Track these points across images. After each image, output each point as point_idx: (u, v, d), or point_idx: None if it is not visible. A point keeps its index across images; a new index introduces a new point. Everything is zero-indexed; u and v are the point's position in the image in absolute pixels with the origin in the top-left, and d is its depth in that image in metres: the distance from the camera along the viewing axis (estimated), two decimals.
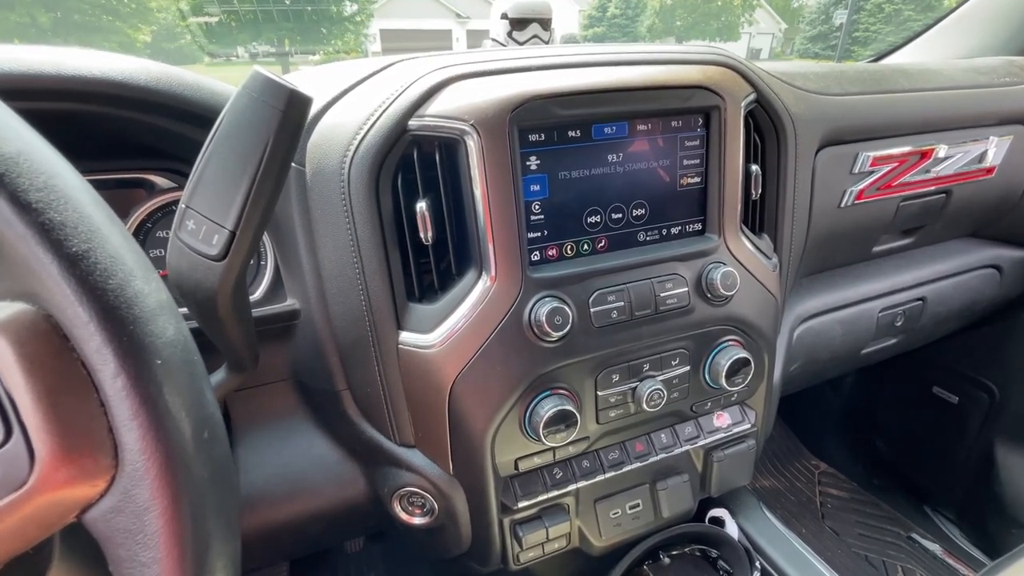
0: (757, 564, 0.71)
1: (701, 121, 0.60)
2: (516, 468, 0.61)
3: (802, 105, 0.71)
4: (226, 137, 0.33)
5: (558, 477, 0.63)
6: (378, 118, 0.50)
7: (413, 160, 0.52)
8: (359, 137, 0.50)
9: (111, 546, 0.21)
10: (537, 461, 0.61)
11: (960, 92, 0.86)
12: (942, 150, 0.84)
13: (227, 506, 0.25)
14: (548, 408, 0.55)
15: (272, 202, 0.35)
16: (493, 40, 0.73)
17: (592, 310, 0.56)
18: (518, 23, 0.70)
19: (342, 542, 1.11)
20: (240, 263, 0.35)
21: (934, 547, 1.27)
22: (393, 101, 0.51)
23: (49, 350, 0.20)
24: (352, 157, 0.50)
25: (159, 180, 0.59)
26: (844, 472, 1.52)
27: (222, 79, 0.53)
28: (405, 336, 0.55)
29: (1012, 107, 0.89)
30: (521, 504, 0.61)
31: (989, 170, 0.90)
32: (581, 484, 0.64)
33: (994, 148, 0.88)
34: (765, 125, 0.67)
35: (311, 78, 0.64)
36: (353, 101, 0.53)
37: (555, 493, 0.63)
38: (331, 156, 0.51)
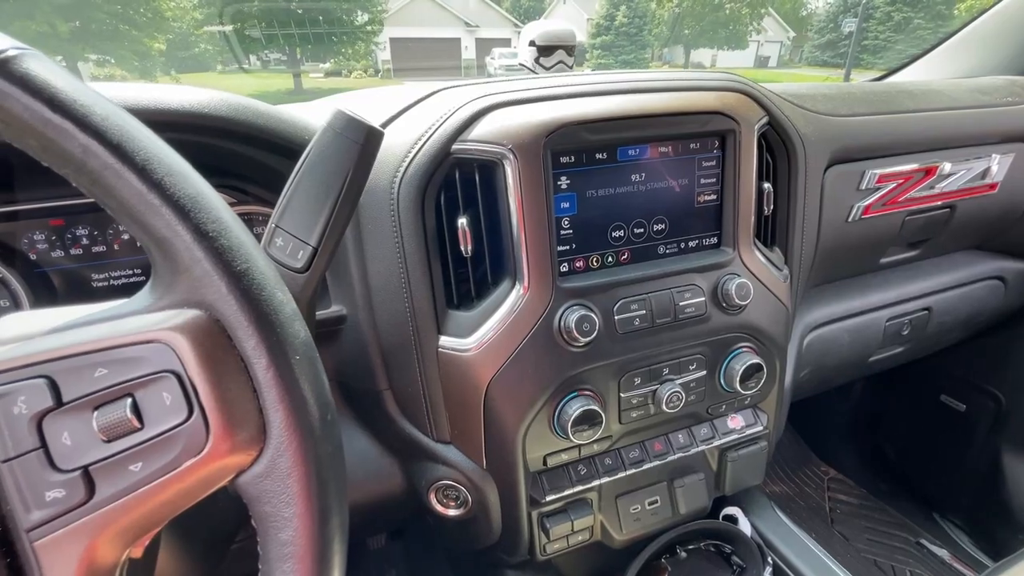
0: (769, 560, 0.75)
1: (717, 143, 0.65)
2: (545, 464, 0.65)
3: (811, 126, 0.75)
4: (312, 167, 0.38)
5: (583, 473, 0.68)
6: (425, 142, 0.56)
7: (455, 180, 0.57)
8: (408, 160, 0.56)
9: (258, 504, 0.27)
10: (564, 457, 0.66)
11: (964, 112, 0.90)
12: (946, 167, 0.88)
13: (342, 477, 0.30)
14: (576, 408, 0.60)
15: (348, 222, 0.41)
16: (521, 65, 0.78)
17: (616, 317, 0.61)
18: (545, 50, 0.75)
19: (374, 535, 1.16)
20: (319, 275, 0.40)
21: (942, 552, 1.30)
22: (439, 127, 0.56)
23: (218, 347, 0.26)
24: (401, 178, 0.56)
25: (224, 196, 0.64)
26: (853, 478, 1.54)
27: (236, 87, 0.59)
28: (444, 340, 0.60)
29: (1014, 126, 0.93)
30: (549, 498, 0.66)
31: (992, 186, 0.94)
32: (604, 480, 0.68)
33: (996, 165, 0.92)
34: (776, 145, 0.71)
35: (360, 102, 0.69)
36: (402, 126, 0.59)
37: (580, 488, 0.67)
38: (382, 177, 0.57)
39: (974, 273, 1.04)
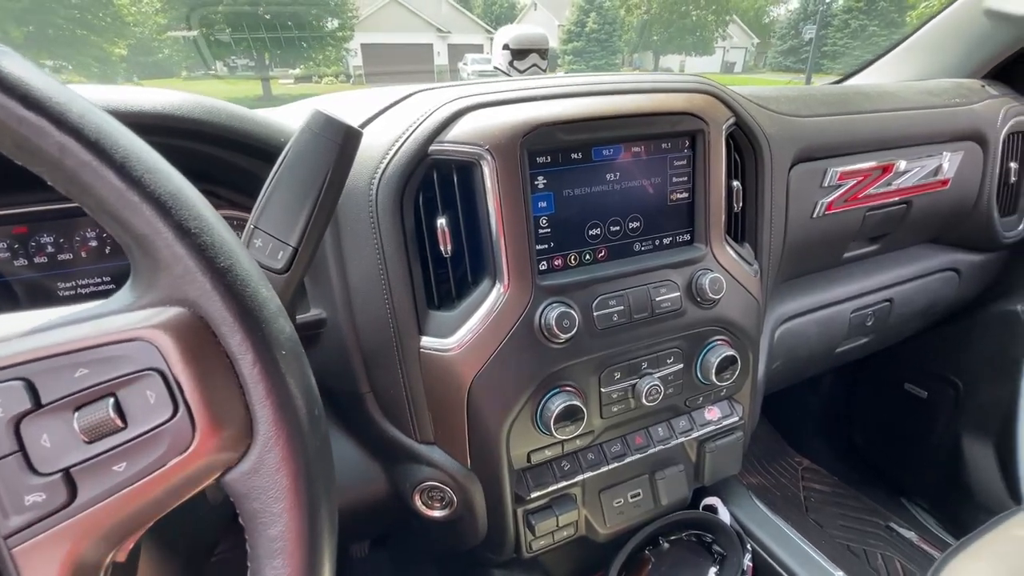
0: (748, 547, 0.77)
1: (688, 143, 0.67)
2: (528, 460, 0.66)
3: (776, 127, 0.78)
4: (291, 167, 0.39)
5: (566, 469, 0.68)
6: (403, 143, 0.56)
7: (433, 180, 0.58)
8: (385, 161, 0.56)
9: (247, 501, 0.26)
10: (548, 454, 0.66)
11: (916, 112, 0.95)
12: (902, 165, 0.92)
13: (330, 471, 0.30)
14: (558, 404, 0.61)
15: (328, 222, 0.41)
16: (496, 68, 0.79)
17: (595, 314, 0.62)
18: (519, 53, 0.76)
19: (358, 541, 1.14)
20: (300, 275, 0.40)
21: (910, 535, 1.35)
22: (417, 128, 0.56)
23: (202, 344, 0.25)
24: (379, 179, 0.56)
25: None
26: (826, 467, 1.60)
27: (203, 92, 0.58)
28: (426, 340, 0.60)
29: (962, 125, 0.98)
30: (534, 494, 0.66)
31: (944, 182, 0.99)
32: (587, 475, 0.69)
33: (947, 162, 0.97)
34: (744, 145, 0.74)
35: (336, 104, 0.69)
36: (379, 128, 0.59)
37: (564, 483, 0.68)
38: (360, 178, 0.57)
39: (930, 265, 1.10)
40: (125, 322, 0.25)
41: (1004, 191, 1.07)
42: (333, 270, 0.60)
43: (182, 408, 0.25)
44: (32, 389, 0.24)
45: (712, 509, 0.82)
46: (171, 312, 0.25)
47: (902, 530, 1.37)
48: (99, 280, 0.61)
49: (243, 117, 0.54)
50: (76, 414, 0.24)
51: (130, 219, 0.24)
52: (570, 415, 0.61)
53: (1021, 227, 1.11)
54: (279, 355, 0.27)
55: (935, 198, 1.00)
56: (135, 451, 0.24)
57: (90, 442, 0.24)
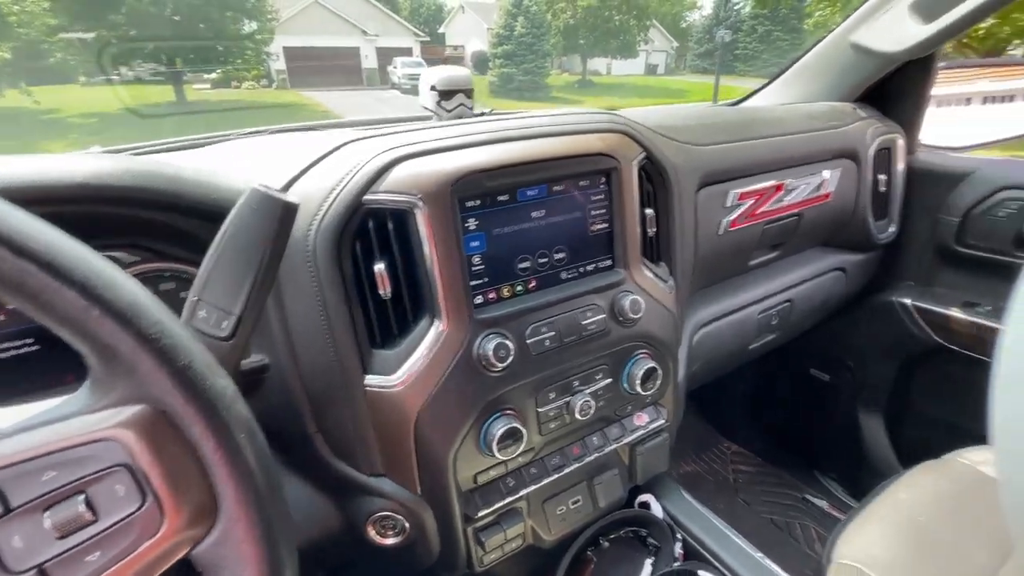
0: (679, 537, 0.86)
1: (604, 180, 0.74)
2: (475, 482, 0.70)
3: (682, 156, 0.87)
4: (231, 241, 0.41)
5: (511, 485, 0.73)
6: (338, 195, 0.59)
7: (369, 228, 0.61)
8: (322, 212, 0.58)
9: (216, 571, 0.29)
10: (493, 474, 0.71)
11: (801, 136, 1.09)
12: (791, 183, 1.05)
13: (291, 531, 0.33)
14: (499, 427, 0.66)
15: (270, 288, 0.43)
16: (424, 107, 0.83)
17: (529, 341, 0.67)
18: (446, 94, 0.80)
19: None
20: (245, 340, 0.42)
21: (822, 503, 1.52)
22: (350, 180, 0.59)
23: (165, 436, 0.28)
24: (317, 229, 0.58)
25: (121, 255, 0.62)
26: (752, 450, 1.75)
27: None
28: (371, 379, 0.63)
29: (838, 145, 1.13)
30: (482, 512, 0.71)
31: (826, 196, 1.13)
32: (531, 488, 0.75)
33: (828, 178, 1.11)
34: (654, 175, 0.82)
35: (264, 153, 0.70)
36: (313, 179, 0.61)
37: (510, 499, 0.73)
38: (298, 230, 0.59)
39: (822, 266, 1.25)
40: (89, 423, 0.27)
41: (876, 199, 1.24)
42: (273, 318, 0.62)
43: (150, 497, 0.27)
44: (1, 495, 0.25)
45: (646, 505, 0.90)
46: (133, 410, 0.27)
47: (815, 500, 1.54)
48: (20, 343, 0.59)
49: (175, 179, 0.54)
50: (46, 513, 0.26)
51: (94, 331, 0.26)
52: (511, 436, 0.66)
53: (891, 229, 1.28)
54: (239, 438, 0.30)
55: (820, 209, 1.14)
56: (108, 541, 0.26)
57: (62, 537, 0.26)
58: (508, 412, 0.68)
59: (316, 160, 0.63)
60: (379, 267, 0.60)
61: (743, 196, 0.98)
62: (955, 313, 1.22)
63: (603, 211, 0.75)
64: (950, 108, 1.50)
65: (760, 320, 1.13)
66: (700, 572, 0.79)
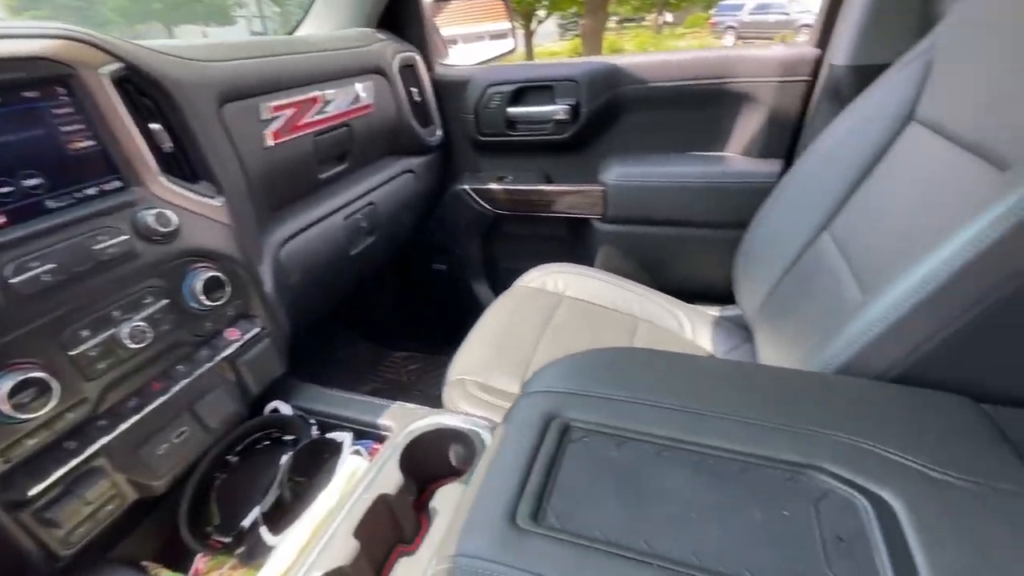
0: (312, 421, 0.93)
1: (66, 92, 0.66)
2: (7, 460, 0.59)
3: (186, 70, 0.86)
4: None
5: (72, 447, 0.65)
6: None
7: None
8: None
9: None
10: (32, 443, 0.61)
11: (328, 53, 1.21)
12: (328, 94, 1.17)
13: None
14: (6, 383, 0.56)
15: None
16: None
17: (13, 280, 0.58)
18: None
19: None
20: None
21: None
22: None
23: None
24: None
25: None
26: (417, 350, 2.00)
27: None
28: None
29: (363, 61, 1.31)
30: (36, 490, 0.61)
31: (368, 107, 1.31)
32: (106, 440, 0.67)
33: (363, 91, 1.28)
34: (150, 91, 0.78)
35: None
36: None
37: (76, 461, 0.64)
38: None
39: (393, 172, 1.46)
40: None
41: (417, 109, 1.51)
42: None
43: None
44: None
45: (276, 411, 0.94)
46: None
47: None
48: None
49: None
50: None
51: None
52: (31, 388, 0.58)
53: (438, 133, 1.59)
54: None
55: (368, 120, 1.32)
56: None
57: None
58: (21, 365, 0.59)
59: None
60: None
61: (277, 108, 1.03)
62: (493, 186, 1.63)
63: (81, 127, 0.68)
64: (471, 44, 2.02)
65: (348, 225, 1.26)
66: (332, 434, 0.89)
